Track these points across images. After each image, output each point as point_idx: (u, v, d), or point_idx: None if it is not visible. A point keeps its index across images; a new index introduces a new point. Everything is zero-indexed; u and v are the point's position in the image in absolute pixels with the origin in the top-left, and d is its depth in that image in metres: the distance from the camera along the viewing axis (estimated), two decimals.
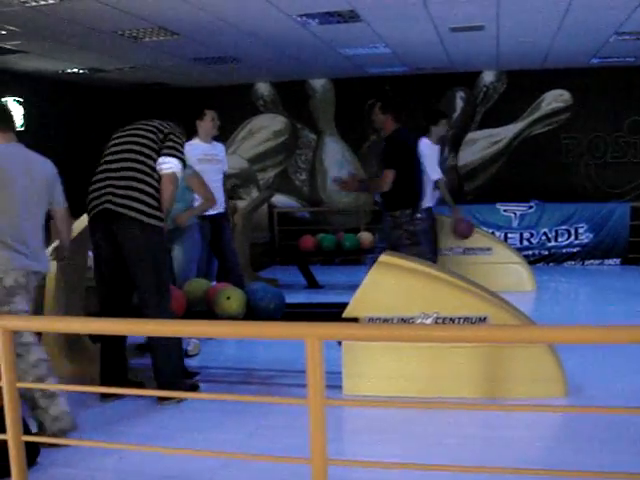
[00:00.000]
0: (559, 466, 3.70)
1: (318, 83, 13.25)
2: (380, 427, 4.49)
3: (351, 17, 7.95)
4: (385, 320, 4.92)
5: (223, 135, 13.23)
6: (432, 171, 8.08)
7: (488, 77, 12.56)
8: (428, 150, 8.10)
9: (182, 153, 5.11)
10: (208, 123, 7.06)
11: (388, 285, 5.04)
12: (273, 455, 3.53)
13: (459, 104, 12.73)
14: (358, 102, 13.02)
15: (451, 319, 4.84)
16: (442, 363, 4.83)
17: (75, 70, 11.16)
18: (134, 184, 4.91)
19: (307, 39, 9.16)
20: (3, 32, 8.24)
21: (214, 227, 7.05)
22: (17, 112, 11.16)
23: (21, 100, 11.19)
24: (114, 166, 5.01)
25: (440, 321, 4.85)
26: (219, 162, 7.26)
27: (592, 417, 4.31)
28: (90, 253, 6.72)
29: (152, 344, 5.06)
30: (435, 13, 7.88)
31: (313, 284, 10.03)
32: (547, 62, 11.45)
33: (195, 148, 6.89)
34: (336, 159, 13.32)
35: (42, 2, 7.00)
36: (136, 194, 4.89)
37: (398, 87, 12.76)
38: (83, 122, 12.51)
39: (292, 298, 7.51)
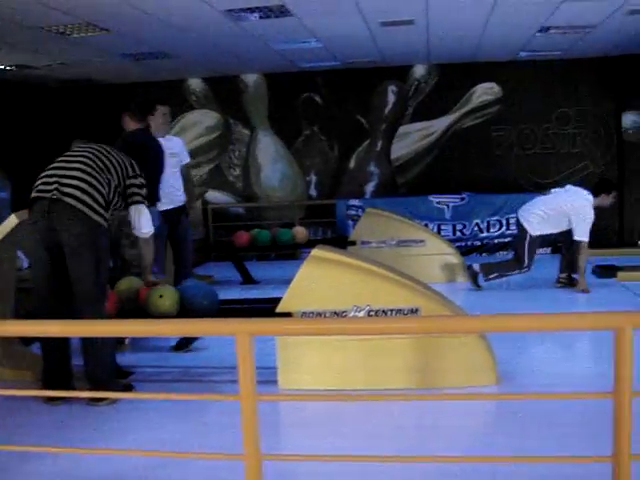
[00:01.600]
0: (491, 452, 3.78)
1: (250, 78, 13.20)
2: (317, 420, 4.52)
3: (281, 12, 7.94)
4: (318, 314, 4.95)
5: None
6: (582, 232, 8.08)
7: (419, 70, 12.67)
8: (589, 210, 8.07)
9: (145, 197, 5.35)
10: (159, 119, 6.85)
11: (320, 279, 5.07)
12: (208, 452, 3.53)
13: (391, 97, 12.81)
14: (291, 97, 13.04)
15: (383, 311, 4.90)
16: (376, 355, 4.88)
17: (1, 67, 10.93)
18: (87, 178, 4.88)
19: (237, 34, 9.12)
20: None
21: (169, 222, 6.98)
22: None
23: None
24: (68, 165, 4.99)
25: (373, 314, 4.90)
26: (174, 156, 7.13)
27: (522, 404, 4.40)
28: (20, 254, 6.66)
29: (84, 344, 4.98)
30: (365, 8, 7.92)
31: (248, 280, 10.01)
32: (477, 56, 11.62)
33: None
34: (270, 154, 13.30)
35: None
36: (87, 187, 4.85)
37: (330, 81, 12.82)
38: (11, 119, 12.24)
39: (227, 294, 7.54)
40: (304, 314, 4.97)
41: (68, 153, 5.16)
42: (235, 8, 7.74)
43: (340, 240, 10.21)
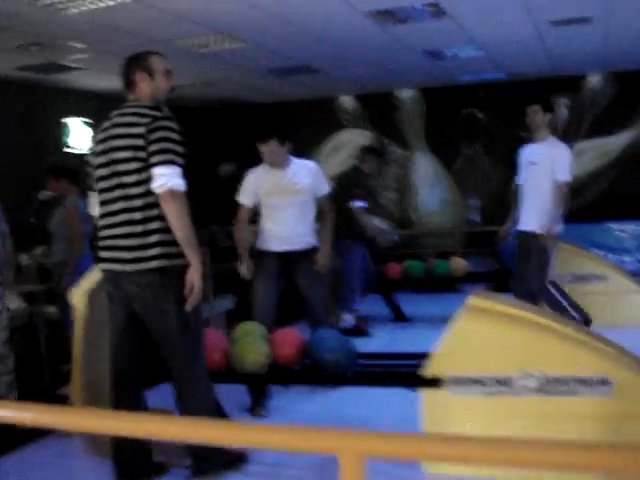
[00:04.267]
0: None
1: (406, 94, 12.30)
2: None
3: (436, 12, 6.94)
4: (475, 381, 3.84)
5: (305, 153, 12.45)
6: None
7: (595, 81, 11.34)
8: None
9: (175, 151, 3.75)
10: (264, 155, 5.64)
11: (479, 335, 3.95)
12: None
13: (562, 112, 11.51)
14: (450, 113, 12.02)
15: (560, 381, 3.73)
16: (549, 437, 3.71)
17: None
18: (132, 229, 3.74)
19: (387, 42, 8.23)
20: (68, 47, 7.78)
21: (283, 266, 5.71)
22: (85, 134, 10.58)
23: (89, 121, 10.59)
24: (108, 208, 3.83)
25: (545, 383, 3.74)
26: (298, 192, 5.66)
27: None
28: None
29: (182, 405, 4.03)
30: (533, 2, 6.78)
31: (399, 317, 8.98)
32: None
33: (260, 178, 5.64)
34: (427, 176, 12.29)
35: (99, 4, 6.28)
36: (137, 240, 3.73)
37: (493, 95, 11.69)
38: None
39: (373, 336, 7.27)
40: (457, 381, 3.88)
41: (100, 182, 3.90)
42: (381, 9, 6.80)
43: (505, 274, 9.00)
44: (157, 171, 3.65)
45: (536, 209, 6.62)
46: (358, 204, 7.67)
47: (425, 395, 4.00)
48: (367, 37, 7.98)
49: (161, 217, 3.70)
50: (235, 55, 8.58)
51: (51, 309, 6.93)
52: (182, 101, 11.92)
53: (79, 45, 7.76)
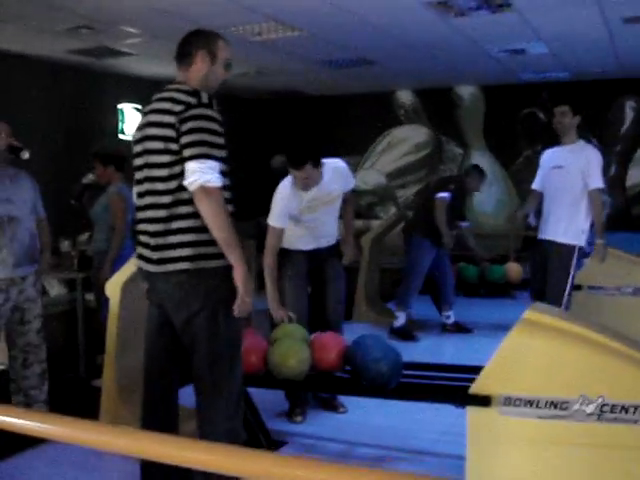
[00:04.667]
0: None
1: (466, 91, 11.94)
2: None
3: (499, 5, 6.60)
4: (529, 402, 3.53)
5: (358, 148, 12.18)
6: None
7: None
8: None
9: (211, 143, 3.30)
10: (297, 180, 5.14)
11: (535, 353, 3.62)
12: None
13: (629, 115, 11.09)
14: (510, 112, 11.66)
15: (623, 408, 3.39)
16: (611, 473, 3.39)
17: None
18: (156, 227, 3.39)
19: (448, 35, 7.92)
20: (120, 31, 7.66)
21: (310, 263, 5.41)
22: (136, 120, 10.43)
23: (140, 107, 10.44)
24: (141, 201, 3.49)
25: (607, 409, 3.42)
26: (332, 200, 5.29)
27: None
28: None
29: (204, 421, 3.54)
30: None
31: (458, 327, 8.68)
32: None
33: (293, 198, 5.15)
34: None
35: None
36: (159, 240, 3.37)
37: (556, 95, 11.24)
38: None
39: (423, 341, 7.39)
40: (508, 400, 3.57)
41: (136, 173, 3.55)
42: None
43: None
44: (189, 166, 3.24)
45: (561, 217, 6.19)
46: (441, 194, 7.52)
47: (472, 412, 3.69)
48: (427, 29, 7.66)
49: (192, 215, 3.31)
50: (290, 44, 8.32)
51: (90, 297, 6.76)
52: (235, 91, 11.73)
53: (131, 30, 7.59)
